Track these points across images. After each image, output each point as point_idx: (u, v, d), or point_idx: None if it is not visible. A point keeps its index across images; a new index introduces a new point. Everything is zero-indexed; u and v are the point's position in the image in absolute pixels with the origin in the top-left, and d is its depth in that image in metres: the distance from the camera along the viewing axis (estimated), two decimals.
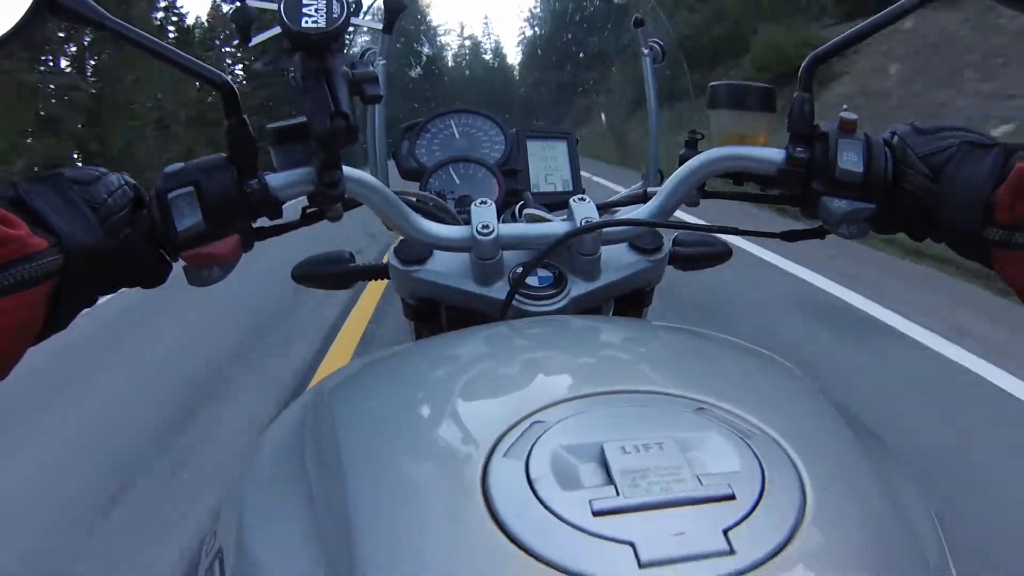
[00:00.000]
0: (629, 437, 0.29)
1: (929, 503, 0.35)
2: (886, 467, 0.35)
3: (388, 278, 0.66)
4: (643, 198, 0.74)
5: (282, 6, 0.43)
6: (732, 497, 0.26)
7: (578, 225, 0.57)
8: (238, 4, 0.53)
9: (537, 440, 0.29)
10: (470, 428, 0.33)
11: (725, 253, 0.76)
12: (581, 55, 1.08)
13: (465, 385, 0.39)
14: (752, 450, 0.29)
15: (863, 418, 0.40)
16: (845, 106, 0.56)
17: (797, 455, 0.30)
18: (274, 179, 0.50)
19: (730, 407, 0.32)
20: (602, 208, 0.65)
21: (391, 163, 0.82)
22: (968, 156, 0.49)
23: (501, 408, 0.33)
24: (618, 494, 0.26)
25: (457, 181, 0.79)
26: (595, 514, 0.25)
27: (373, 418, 0.37)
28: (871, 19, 0.52)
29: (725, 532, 0.25)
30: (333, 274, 0.70)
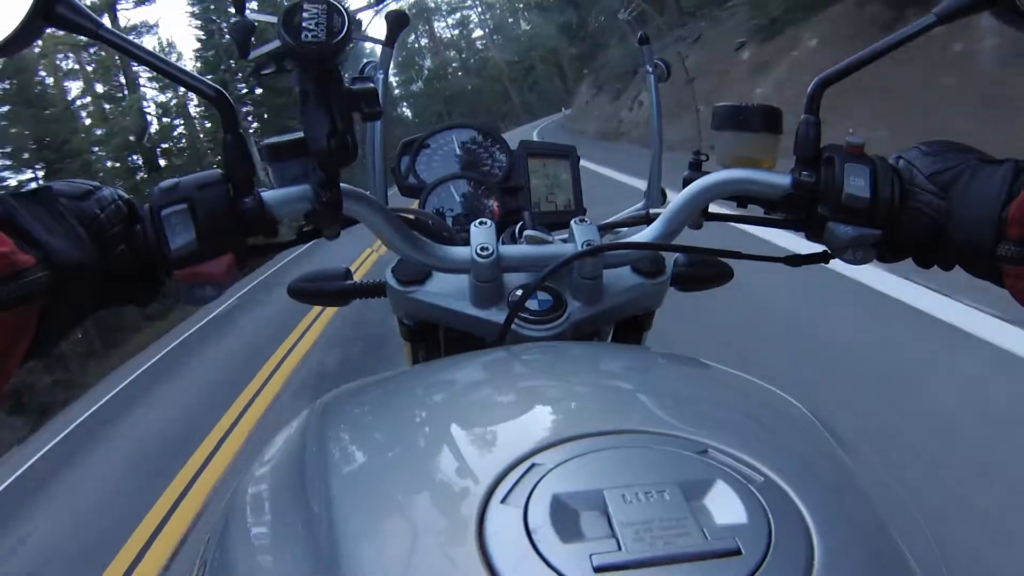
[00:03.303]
0: (630, 484, 0.28)
1: (934, 543, 0.34)
2: (890, 506, 0.34)
3: (385, 296, 0.65)
4: (645, 219, 0.73)
5: (282, 19, 0.42)
6: (738, 552, 0.25)
7: (579, 248, 0.56)
8: (236, 17, 0.52)
9: (536, 486, 0.28)
10: (466, 467, 0.31)
11: (726, 274, 0.75)
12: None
13: (462, 418, 0.38)
14: (759, 499, 0.28)
15: None
16: (851, 130, 0.55)
17: (804, 505, 0.29)
18: (270, 197, 0.49)
19: (734, 450, 0.31)
20: (603, 229, 0.64)
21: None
22: (978, 172, 0.48)
23: (499, 447, 0.32)
24: (620, 548, 0.25)
25: (457, 199, 0.77)
26: (596, 570, 0.24)
27: (366, 449, 0.36)
28: (881, 41, 0.51)
29: None
30: (330, 291, 0.69)
